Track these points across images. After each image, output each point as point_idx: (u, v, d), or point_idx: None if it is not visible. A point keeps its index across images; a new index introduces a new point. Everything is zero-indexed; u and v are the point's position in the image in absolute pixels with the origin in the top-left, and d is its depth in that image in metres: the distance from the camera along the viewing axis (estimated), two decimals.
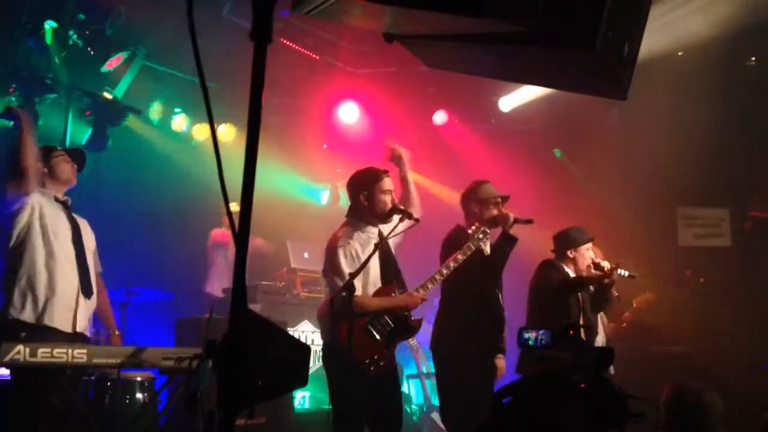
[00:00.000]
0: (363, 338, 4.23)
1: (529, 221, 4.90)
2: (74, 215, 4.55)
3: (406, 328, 4.48)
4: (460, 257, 4.55)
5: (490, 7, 1.66)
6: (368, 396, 4.28)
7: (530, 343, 2.93)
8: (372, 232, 4.50)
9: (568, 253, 5.34)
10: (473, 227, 4.69)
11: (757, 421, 3.97)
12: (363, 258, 4.31)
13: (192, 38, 1.33)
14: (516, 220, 4.82)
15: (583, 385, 2.27)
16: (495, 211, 4.89)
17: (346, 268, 4.27)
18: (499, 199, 4.98)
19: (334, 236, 4.47)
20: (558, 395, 2.20)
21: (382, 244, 4.39)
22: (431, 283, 4.51)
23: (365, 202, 4.48)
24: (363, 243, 4.44)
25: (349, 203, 4.64)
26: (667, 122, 7.39)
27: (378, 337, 4.30)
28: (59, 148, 4.67)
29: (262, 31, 1.32)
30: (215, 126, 1.42)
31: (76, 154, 4.69)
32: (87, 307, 4.39)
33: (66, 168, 4.53)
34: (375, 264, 4.35)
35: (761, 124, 7.50)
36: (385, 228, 4.51)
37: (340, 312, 4.17)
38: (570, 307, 5.13)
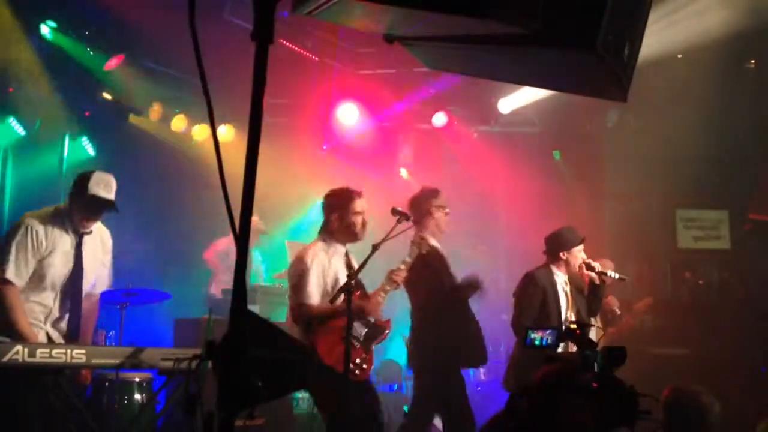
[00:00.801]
0: (342, 346, 4.22)
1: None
2: (89, 239, 4.33)
3: (377, 330, 4.61)
4: (408, 259, 4.73)
5: (492, 9, 1.66)
6: (354, 400, 4.33)
7: (536, 343, 2.95)
8: (340, 251, 4.66)
9: (561, 255, 5.35)
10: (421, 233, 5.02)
11: (756, 425, 3.97)
12: (329, 272, 4.51)
13: (194, 42, 1.33)
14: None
15: (595, 385, 2.28)
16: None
17: (315, 288, 4.44)
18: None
19: (304, 251, 4.59)
20: (570, 395, 2.20)
21: (350, 260, 4.64)
22: (389, 286, 4.64)
23: (336, 222, 4.63)
24: (331, 259, 4.58)
25: (324, 220, 4.76)
26: (666, 124, 7.40)
27: (356, 344, 4.42)
28: (88, 194, 4.21)
29: (264, 31, 1.31)
30: (215, 127, 1.41)
31: (105, 207, 4.29)
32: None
33: (81, 216, 4.26)
34: (343, 278, 4.47)
35: (760, 127, 7.51)
36: (351, 246, 4.74)
37: (304, 318, 4.37)
38: (550, 316, 5.17)
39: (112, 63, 7.43)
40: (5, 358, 3.62)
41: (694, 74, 6.99)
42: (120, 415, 4.73)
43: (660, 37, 6.31)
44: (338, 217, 4.62)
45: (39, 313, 4.18)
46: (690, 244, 8.26)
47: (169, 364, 4.09)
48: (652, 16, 2.18)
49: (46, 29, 6.90)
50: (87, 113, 7.89)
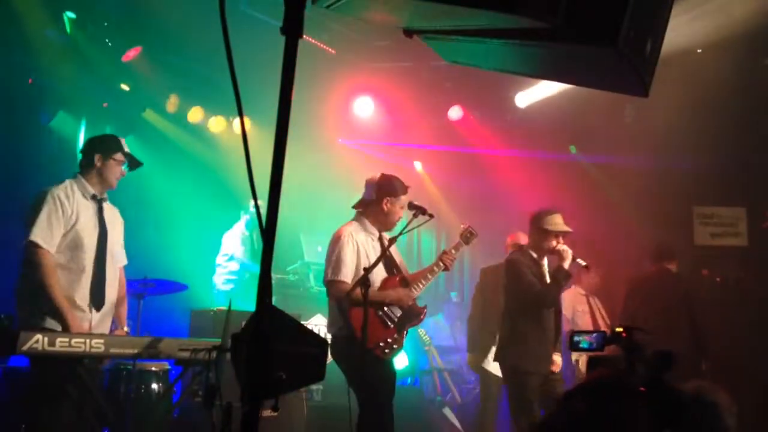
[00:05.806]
0: (376, 324, 4.50)
1: (586, 266, 5.21)
2: (106, 207, 4.49)
3: (412, 315, 4.77)
4: (454, 252, 4.93)
5: (515, 3, 1.66)
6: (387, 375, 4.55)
7: (581, 346, 2.95)
8: (374, 233, 4.79)
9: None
10: (463, 227, 5.07)
11: None
12: (364, 252, 4.65)
13: (224, 36, 1.34)
14: (574, 259, 5.08)
15: (642, 389, 2.26)
16: (554, 243, 5.16)
17: (350, 261, 4.57)
18: (561, 234, 5.19)
19: (341, 230, 4.72)
20: (624, 398, 2.18)
21: (384, 244, 4.74)
22: (437, 268, 4.83)
23: (385, 207, 4.74)
24: (365, 240, 4.74)
25: (367, 199, 4.81)
26: (684, 120, 7.33)
27: (390, 324, 4.61)
28: (123, 151, 4.50)
29: (294, 25, 1.32)
30: (242, 120, 1.41)
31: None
32: (100, 317, 4.39)
33: (116, 173, 4.46)
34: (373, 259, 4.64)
35: None
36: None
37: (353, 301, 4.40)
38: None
39: (130, 54, 7.47)
40: (25, 347, 3.67)
41: (713, 70, 6.92)
42: (136, 405, 4.76)
43: (680, 32, 6.25)
44: (387, 203, 4.73)
45: (75, 283, 4.23)
46: (707, 241, 8.21)
47: (186, 354, 4.13)
48: (673, 11, 2.16)
49: (65, 20, 6.94)
50: (104, 104, 7.93)
